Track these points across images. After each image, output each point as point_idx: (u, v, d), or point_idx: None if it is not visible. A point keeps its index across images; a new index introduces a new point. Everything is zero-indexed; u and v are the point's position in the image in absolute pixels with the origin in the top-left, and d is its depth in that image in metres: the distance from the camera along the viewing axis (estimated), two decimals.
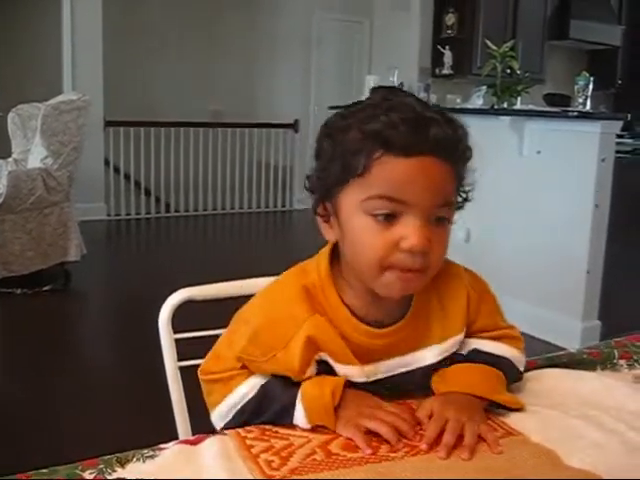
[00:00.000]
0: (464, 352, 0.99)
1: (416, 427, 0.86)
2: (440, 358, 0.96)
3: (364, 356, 0.93)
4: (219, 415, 0.95)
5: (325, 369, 0.93)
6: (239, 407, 0.93)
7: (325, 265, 0.95)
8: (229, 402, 0.94)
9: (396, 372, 0.95)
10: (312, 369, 0.92)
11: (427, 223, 0.85)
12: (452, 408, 0.87)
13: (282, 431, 0.87)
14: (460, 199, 0.92)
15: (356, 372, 0.93)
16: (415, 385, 0.97)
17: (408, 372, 0.96)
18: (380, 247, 0.85)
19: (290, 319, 0.91)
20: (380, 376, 0.94)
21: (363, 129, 0.85)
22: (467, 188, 0.92)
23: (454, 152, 0.87)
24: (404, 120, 0.83)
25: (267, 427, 0.88)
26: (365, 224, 0.85)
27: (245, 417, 0.92)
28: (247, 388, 0.93)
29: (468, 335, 0.99)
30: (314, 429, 0.87)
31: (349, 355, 0.92)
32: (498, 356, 0.98)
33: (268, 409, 0.91)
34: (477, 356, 0.98)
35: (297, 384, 0.91)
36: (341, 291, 0.94)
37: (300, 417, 0.88)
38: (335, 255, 0.96)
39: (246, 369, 0.95)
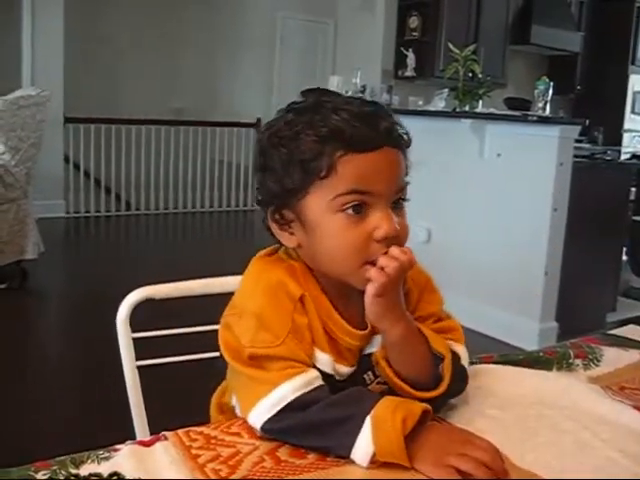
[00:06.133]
0: None
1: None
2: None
3: (335, 351, 0.94)
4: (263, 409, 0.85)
5: None
6: (286, 402, 0.84)
7: (296, 255, 0.96)
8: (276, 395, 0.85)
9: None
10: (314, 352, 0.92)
11: (390, 209, 0.89)
12: None
13: (228, 439, 0.84)
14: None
15: (328, 362, 0.93)
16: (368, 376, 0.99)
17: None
18: (356, 241, 0.88)
19: (286, 295, 0.91)
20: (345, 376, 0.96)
21: (318, 133, 0.87)
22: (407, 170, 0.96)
23: (401, 140, 0.92)
24: (356, 117, 0.87)
25: (212, 434, 0.85)
26: (337, 222, 0.88)
27: (293, 418, 0.83)
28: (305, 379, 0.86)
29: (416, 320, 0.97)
30: (261, 436, 0.85)
31: (324, 343, 0.93)
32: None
33: (327, 413, 0.82)
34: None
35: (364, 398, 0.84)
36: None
37: (364, 439, 0.79)
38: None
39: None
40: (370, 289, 0.86)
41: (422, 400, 0.86)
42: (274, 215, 0.93)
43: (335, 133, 0.86)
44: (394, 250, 0.86)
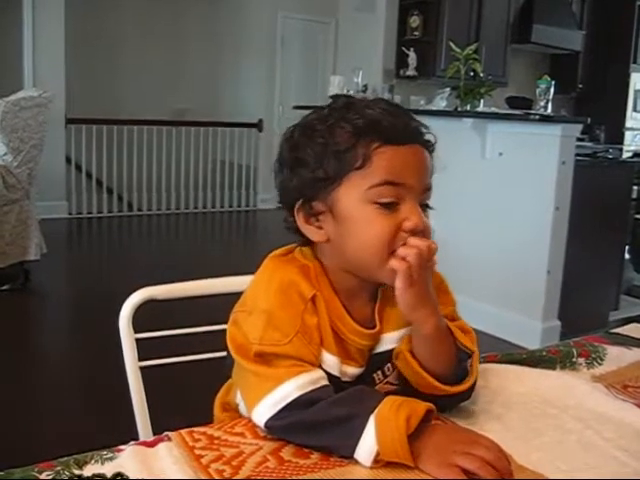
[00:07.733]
0: None
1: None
2: (397, 344, 0.97)
3: (343, 352, 0.94)
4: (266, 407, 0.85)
5: None
6: (291, 400, 0.84)
7: (311, 255, 0.97)
8: (278, 394, 0.85)
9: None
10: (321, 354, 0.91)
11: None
12: None
13: (231, 439, 0.84)
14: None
15: (334, 364, 0.93)
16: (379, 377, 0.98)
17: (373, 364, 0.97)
18: (387, 231, 0.88)
19: (297, 295, 0.91)
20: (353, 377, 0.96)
21: (354, 124, 0.89)
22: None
23: (428, 141, 0.95)
24: (389, 114, 0.90)
25: (215, 435, 0.85)
26: (370, 212, 0.89)
27: (297, 415, 0.83)
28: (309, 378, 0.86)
29: None
30: (265, 436, 0.85)
31: (332, 344, 0.93)
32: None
33: (331, 412, 0.82)
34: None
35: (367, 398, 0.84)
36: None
37: (368, 438, 0.79)
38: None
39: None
40: (398, 282, 0.86)
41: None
42: (303, 207, 0.93)
43: (371, 125, 0.89)
44: (412, 239, 0.88)
